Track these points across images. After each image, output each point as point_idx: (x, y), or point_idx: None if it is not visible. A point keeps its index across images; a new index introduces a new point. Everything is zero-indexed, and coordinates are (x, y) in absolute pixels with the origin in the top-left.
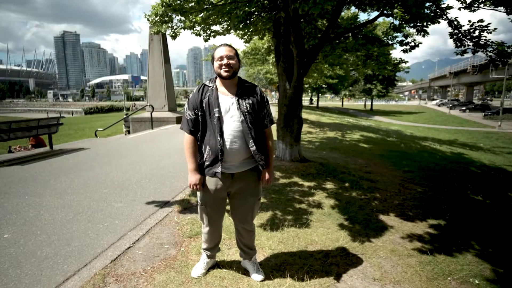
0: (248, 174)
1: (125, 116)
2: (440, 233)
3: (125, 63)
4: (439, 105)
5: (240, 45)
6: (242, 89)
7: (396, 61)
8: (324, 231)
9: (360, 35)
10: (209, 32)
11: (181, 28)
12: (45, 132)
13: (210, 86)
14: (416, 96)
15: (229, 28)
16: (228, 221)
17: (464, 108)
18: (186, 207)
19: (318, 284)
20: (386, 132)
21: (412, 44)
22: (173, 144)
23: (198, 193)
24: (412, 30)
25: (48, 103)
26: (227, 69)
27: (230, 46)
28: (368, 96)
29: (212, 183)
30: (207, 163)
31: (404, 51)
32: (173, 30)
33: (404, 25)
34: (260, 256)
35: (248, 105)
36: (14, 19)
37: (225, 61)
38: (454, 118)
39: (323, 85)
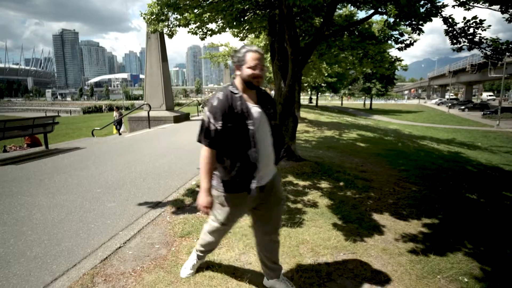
0: (274, 179)
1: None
2: (433, 232)
3: (124, 62)
4: (438, 104)
5: (237, 43)
6: (260, 96)
7: (392, 59)
8: (316, 230)
9: (356, 33)
10: (205, 31)
11: (177, 26)
12: (41, 131)
13: (237, 94)
14: (415, 96)
15: (224, 26)
16: None
17: (463, 107)
18: (179, 206)
19: (308, 284)
20: (384, 131)
21: (408, 42)
22: (170, 143)
23: (219, 211)
24: (408, 29)
25: (46, 102)
26: (259, 80)
27: (263, 54)
28: (367, 95)
29: (242, 200)
30: (238, 179)
31: (400, 49)
32: (169, 28)
33: (400, 22)
34: (250, 256)
35: (271, 114)
36: (13, 17)
37: (259, 71)
38: (453, 117)
39: (322, 84)
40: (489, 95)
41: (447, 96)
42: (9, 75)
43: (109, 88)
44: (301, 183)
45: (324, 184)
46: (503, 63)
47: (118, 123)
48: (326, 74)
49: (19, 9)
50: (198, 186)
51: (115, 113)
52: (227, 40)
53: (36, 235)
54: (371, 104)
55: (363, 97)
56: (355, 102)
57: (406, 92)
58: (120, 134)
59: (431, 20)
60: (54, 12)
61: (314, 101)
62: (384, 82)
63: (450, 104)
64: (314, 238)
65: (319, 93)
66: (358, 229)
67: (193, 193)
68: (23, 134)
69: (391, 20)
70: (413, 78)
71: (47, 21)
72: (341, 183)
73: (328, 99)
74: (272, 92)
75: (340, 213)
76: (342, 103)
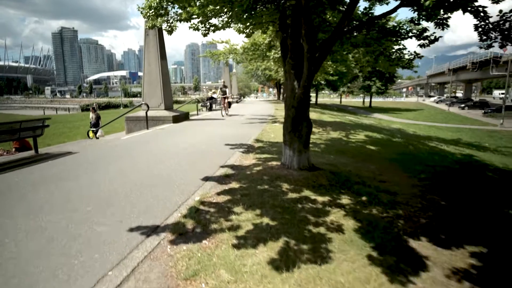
0: None
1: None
2: (486, 265)
3: (122, 59)
4: (437, 102)
5: (238, 40)
6: None
7: (411, 56)
8: (350, 266)
9: (376, 28)
10: (208, 26)
11: (177, 21)
12: (30, 135)
13: None
14: (412, 93)
15: (229, 20)
16: (232, 255)
17: (463, 105)
18: (181, 232)
19: None
20: (390, 131)
21: (432, 37)
22: (169, 146)
23: None
24: (429, 24)
25: (45, 99)
26: None
27: None
28: (367, 93)
29: None
30: None
31: (422, 45)
32: (169, 24)
33: (433, 13)
34: None
35: None
36: (12, 15)
37: None
38: (454, 115)
39: (322, 82)
40: (502, 93)
41: (448, 94)
42: (9, 73)
43: (108, 85)
44: (320, 198)
45: (345, 200)
46: (507, 61)
47: (94, 126)
48: (331, 72)
49: (19, 7)
50: (202, 203)
51: (91, 115)
52: (230, 36)
53: (1, 278)
54: (370, 102)
55: (362, 95)
56: (353, 100)
57: (404, 90)
58: (97, 138)
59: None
60: (53, 10)
61: (312, 99)
62: (384, 80)
63: (449, 102)
64: (350, 280)
65: (318, 91)
66: (398, 263)
67: (197, 212)
68: (9, 139)
69: (415, 15)
70: (410, 75)
71: (47, 19)
72: (364, 198)
73: (331, 97)
74: (270, 90)
75: (372, 240)
76: (341, 101)
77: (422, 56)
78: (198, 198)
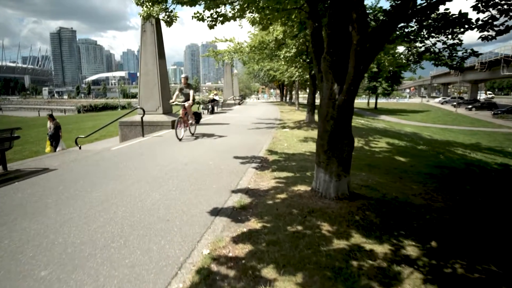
0: None
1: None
2: None
3: (122, 60)
4: (442, 103)
5: (242, 38)
6: None
7: (465, 54)
8: None
9: (433, 16)
10: (215, 16)
11: (178, 3)
12: None
13: None
14: (414, 93)
15: (245, 6)
16: None
17: (470, 106)
18: None
19: None
20: (408, 136)
21: (502, 27)
22: (167, 161)
23: None
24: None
25: (43, 100)
26: None
27: None
28: (372, 94)
29: None
30: None
31: (485, 38)
32: (167, 13)
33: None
34: None
35: None
36: (11, 15)
37: None
38: (462, 117)
39: None
40: None
41: (452, 95)
42: (6, 73)
43: (107, 86)
44: (378, 248)
45: (411, 248)
46: None
47: (53, 137)
48: None
49: (18, 7)
50: (215, 260)
51: (49, 124)
52: (231, 35)
53: None
54: (376, 103)
55: (367, 96)
56: (356, 101)
57: (407, 90)
58: (55, 151)
59: None
60: (52, 10)
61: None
62: (390, 81)
63: (455, 103)
64: None
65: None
66: None
67: (208, 279)
68: None
69: None
70: (412, 76)
71: (45, 20)
72: (433, 243)
73: None
74: (271, 91)
75: None
76: None
77: (481, 53)
78: (207, 252)
